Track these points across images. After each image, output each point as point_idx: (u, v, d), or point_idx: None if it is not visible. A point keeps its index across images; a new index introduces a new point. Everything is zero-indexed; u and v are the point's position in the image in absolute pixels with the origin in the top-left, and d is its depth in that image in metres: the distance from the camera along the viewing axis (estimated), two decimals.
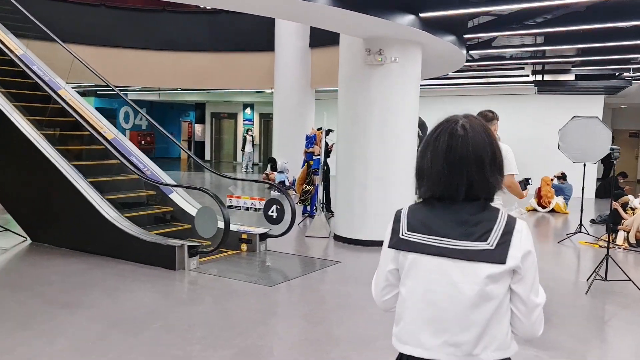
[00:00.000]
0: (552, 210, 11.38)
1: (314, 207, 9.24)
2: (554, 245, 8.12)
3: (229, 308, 4.84)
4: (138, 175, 7.07)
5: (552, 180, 11.69)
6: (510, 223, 1.43)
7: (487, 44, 10.83)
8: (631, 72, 11.43)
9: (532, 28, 8.44)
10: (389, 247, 1.55)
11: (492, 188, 1.47)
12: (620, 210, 8.59)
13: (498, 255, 1.40)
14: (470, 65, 11.84)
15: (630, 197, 9.40)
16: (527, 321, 1.46)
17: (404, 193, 7.51)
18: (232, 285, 5.49)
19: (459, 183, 1.44)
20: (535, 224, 10.29)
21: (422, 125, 8.72)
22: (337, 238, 7.72)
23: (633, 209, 8.91)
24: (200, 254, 6.07)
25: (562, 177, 11.87)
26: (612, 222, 8.05)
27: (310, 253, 7.23)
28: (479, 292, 1.40)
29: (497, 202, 1.80)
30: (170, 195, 7.46)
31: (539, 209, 11.44)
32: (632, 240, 7.97)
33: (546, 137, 12.35)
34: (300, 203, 9.65)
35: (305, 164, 9.56)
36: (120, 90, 20.14)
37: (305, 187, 9.43)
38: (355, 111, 7.51)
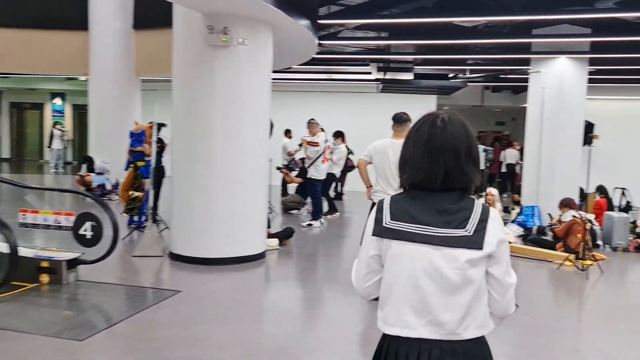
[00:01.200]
0: None
1: (144, 218, 7.61)
2: None
3: None
4: None
5: None
6: (485, 211, 1.56)
7: (333, 35, 10.42)
8: (467, 72, 11.84)
9: (379, 18, 8.62)
10: (373, 235, 1.62)
11: (467, 178, 1.57)
12: None
13: (476, 241, 1.52)
14: (313, 59, 11.27)
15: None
16: (502, 300, 1.61)
17: (257, 198, 6.42)
18: (21, 344, 3.79)
19: (437, 171, 1.55)
20: None
21: None
22: (174, 257, 6.26)
23: None
24: None
25: None
26: None
27: (139, 280, 5.69)
28: (461, 276, 1.52)
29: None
30: None
31: None
32: None
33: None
34: (125, 213, 7.90)
35: (131, 165, 7.84)
36: None
37: (133, 194, 7.72)
38: (195, 102, 6.19)
